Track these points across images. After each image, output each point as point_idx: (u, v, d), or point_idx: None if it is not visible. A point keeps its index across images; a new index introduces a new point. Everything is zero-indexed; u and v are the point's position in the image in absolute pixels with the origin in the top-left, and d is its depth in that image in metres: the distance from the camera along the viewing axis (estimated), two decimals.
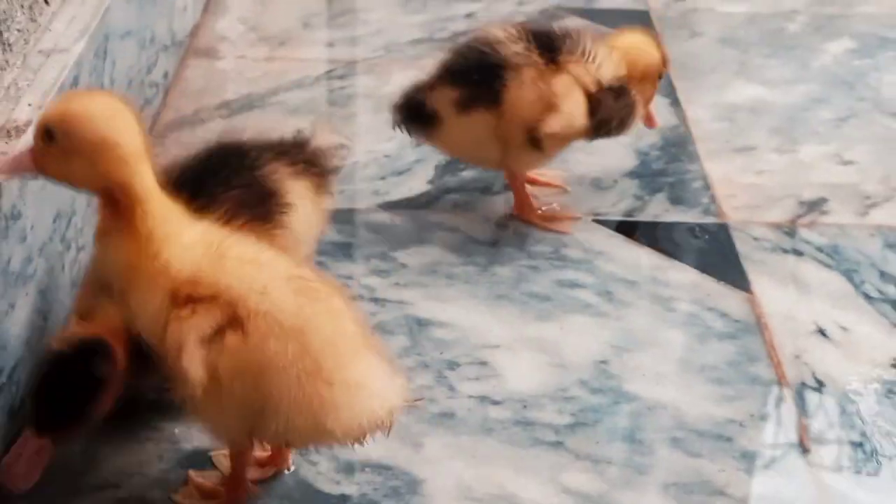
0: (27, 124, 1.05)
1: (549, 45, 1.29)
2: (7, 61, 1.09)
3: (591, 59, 1.30)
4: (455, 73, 1.29)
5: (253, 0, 1.83)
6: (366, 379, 0.91)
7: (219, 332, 0.87)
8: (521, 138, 1.28)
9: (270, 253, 0.93)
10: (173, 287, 0.88)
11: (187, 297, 0.88)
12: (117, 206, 0.88)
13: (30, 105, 1.08)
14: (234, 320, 0.87)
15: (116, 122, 0.88)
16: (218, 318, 0.87)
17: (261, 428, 0.91)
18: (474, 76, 1.28)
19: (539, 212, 1.36)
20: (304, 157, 1.11)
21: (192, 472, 1.01)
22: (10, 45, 1.10)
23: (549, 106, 1.27)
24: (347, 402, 0.89)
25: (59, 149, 0.87)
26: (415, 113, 1.30)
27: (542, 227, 1.34)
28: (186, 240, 0.90)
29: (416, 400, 0.97)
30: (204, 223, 0.93)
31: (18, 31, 1.12)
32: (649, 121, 1.40)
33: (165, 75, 1.55)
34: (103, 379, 0.95)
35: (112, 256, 0.90)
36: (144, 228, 0.89)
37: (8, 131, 1.04)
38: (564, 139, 1.31)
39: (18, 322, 1.02)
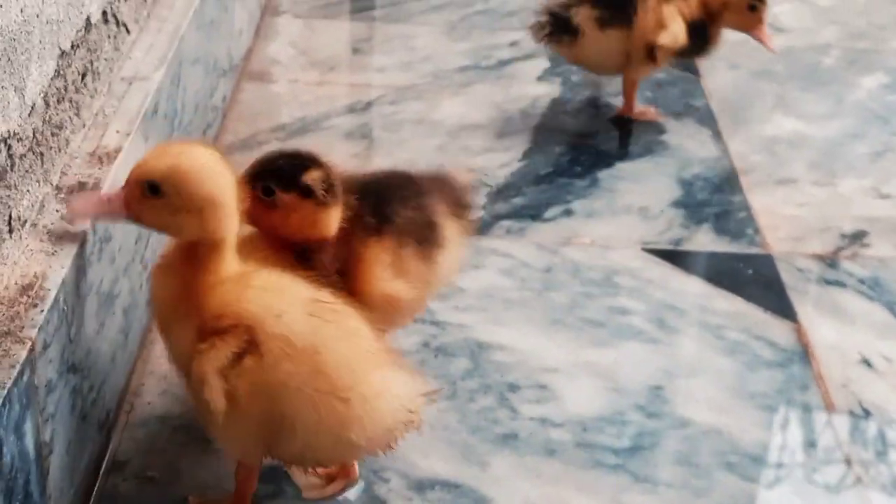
0: (117, 151, 1.09)
1: None
2: (96, 89, 1.14)
3: None
4: None
5: (303, 25, 1.88)
6: (382, 388, 0.94)
7: (237, 357, 0.90)
8: (643, 52, 1.59)
9: (290, 279, 0.96)
10: (201, 322, 0.92)
11: (211, 331, 0.91)
12: (196, 251, 0.92)
13: (117, 132, 1.12)
14: (251, 345, 0.90)
15: (223, 180, 0.91)
16: (236, 345, 0.90)
17: (281, 448, 0.95)
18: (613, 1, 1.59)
19: (637, 110, 1.68)
20: (456, 200, 1.14)
21: (191, 498, 1.04)
22: (98, 73, 1.14)
23: (662, 27, 1.58)
24: (366, 414, 0.92)
25: (165, 203, 0.90)
26: (560, 26, 1.59)
27: (640, 119, 1.67)
28: (222, 275, 0.93)
29: (433, 392, 0.98)
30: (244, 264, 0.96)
31: (105, 59, 1.16)
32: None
33: (224, 99, 1.60)
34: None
35: (167, 291, 0.94)
36: (211, 271, 0.92)
37: (99, 157, 1.08)
38: (670, 52, 1.60)
39: (107, 340, 1.06)
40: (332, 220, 1.02)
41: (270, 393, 0.91)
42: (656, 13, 1.58)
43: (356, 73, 1.76)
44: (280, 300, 0.93)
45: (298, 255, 1.02)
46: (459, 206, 1.14)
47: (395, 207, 1.08)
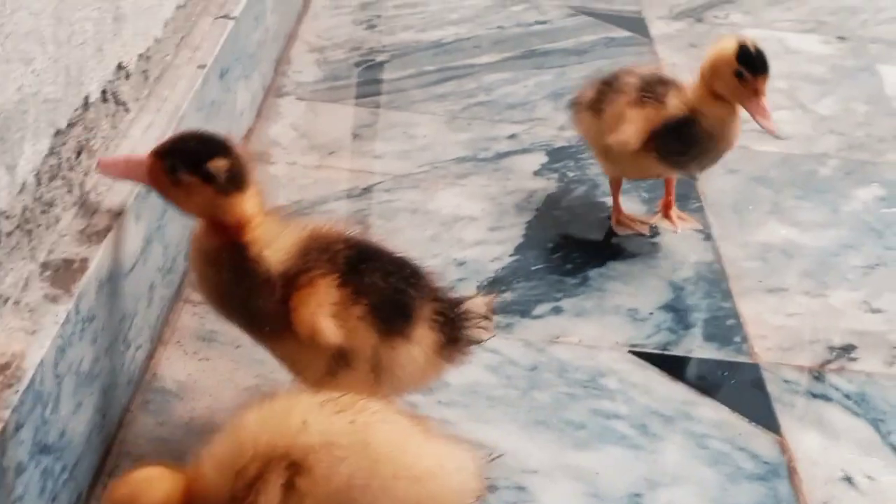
0: (107, 230, 1.09)
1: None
2: (91, 167, 1.14)
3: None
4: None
5: (305, 107, 1.90)
6: (442, 460, 0.93)
7: (289, 486, 0.89)
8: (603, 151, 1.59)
9: (286, 395, 0.96)
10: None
11: (243, 491, 0.89)
12: None
13: (108, 211, 1.12)
14: (295, 468, 0.89)
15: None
16: (279, 480, 0.89)
17: None
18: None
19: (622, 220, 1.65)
20: (450, 316, 1.14)
21: None
22: (93, 151, 1.15)
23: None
24: (441, 486, 0.92)
25: None
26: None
27: (620, 231, 1.64)
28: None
29: (494, 458, 0.99)
30: None
31: (102, 138, 1.17)
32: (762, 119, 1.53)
33: None
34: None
35: None
36: None
37: (88, 236, 1.08)
38: (625, 155, 1.54)
39: (83, 420, 1.06)
40: (235, 207, 1.06)
41: (340, 500, 0.89)
42: (616, 113, 1.53)
43: (355, 158, 1.77)
44: (292, 416, 0.92)
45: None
46: (453, 325, 1.14)
47: (371, 270, 1.10)
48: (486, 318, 1.18)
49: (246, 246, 1.07)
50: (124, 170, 1.08)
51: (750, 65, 1.48)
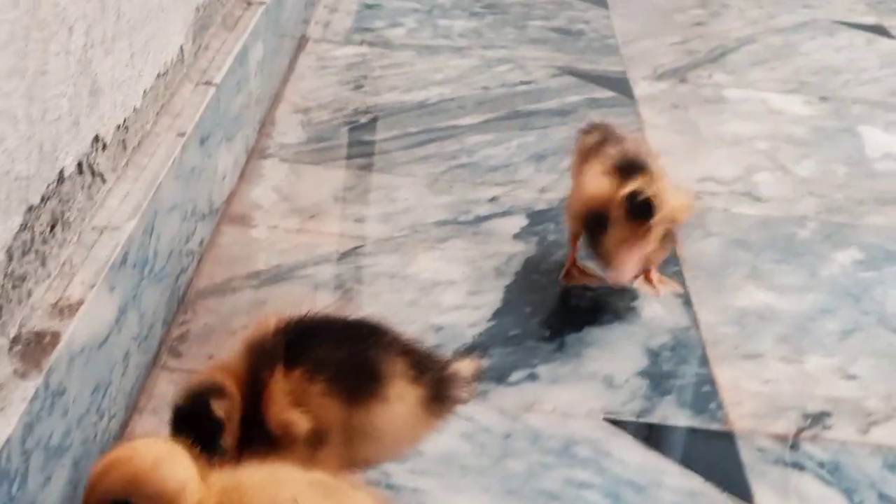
0: (79, 303, 1.10)
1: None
2: (65, 239, 1.15)
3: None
4: None
5: (288, 170, 1.91)
6: None
7: None
8: None
9: (282, 467, 0.97)
10: None
11: None
12: None
13: (82, 283, 1.13)
14: None
15: (178, 463, 0.91)
16: None
17: None
18: None
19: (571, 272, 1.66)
20: (433, 375, 1.15)
21: None
22: (68, 223, 1.16)
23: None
24: None
25: None
26: None
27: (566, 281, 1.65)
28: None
29: None
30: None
31: (78, 209, 1.18)
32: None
33: (201, 242, 1.61)
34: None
35: None
36: None
37: (61, 310, 1.09)
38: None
39: (53, 494, 1.06)
40: None
41: None
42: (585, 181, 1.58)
43: (336, 222, 1.78)
44: (283, 490, 0.92)
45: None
46: (437, 385, 1.15)
47: (320, 344, 1.11)
48: (470, 382, 1.19)
49: None
50: None
51: (630, 210, 1.49)
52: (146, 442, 0.94)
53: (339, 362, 1.10)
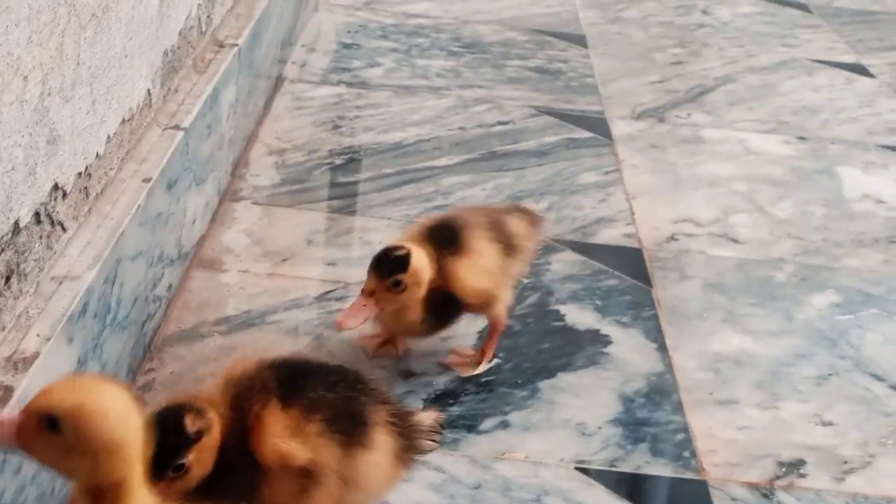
0: (34, 356, 1.08)
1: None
2: (21, 290, 1.13)
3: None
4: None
5: (260, 213, 1.89)
6: None
7: None
8: None
9: None
10: None
11: None
12: (100, 495, 0.88)
13: (38, 336, 1.11)
14: None
15: (128, 422, 0.87)
16: None
17: None
18: None
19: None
20: (405, 425, 1.16)
21: None
22: (24, 274, 1.14)
23: None
24: None
25: (61, 440, 0.86)
26: None
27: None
28: None
29: None
30: None
31: (35, 260, 1.16)
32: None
33: (169, 287, 1.59)
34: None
35: None
36: None
37: (15, 363, 1.07)
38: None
39: None
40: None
41: None
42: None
43: (307, 266, 1.76)
44: None
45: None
46: (406, 435, 1.15)
47: (313, 385, 1.11)
48: (434, 431, 1.18)
49: None
50: None
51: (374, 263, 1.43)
52: (113, 388, 0.90)
53: (332, 404, 1.10)
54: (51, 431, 0.86)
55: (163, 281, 1.55)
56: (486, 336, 1.58)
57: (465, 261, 1.46)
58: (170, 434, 1.03)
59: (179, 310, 1.61)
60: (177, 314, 1.60)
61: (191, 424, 1.05)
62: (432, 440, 1.20)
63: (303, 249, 1.80)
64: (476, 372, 1.54)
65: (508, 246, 1.52)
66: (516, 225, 1.55)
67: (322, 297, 1.68)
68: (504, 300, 1.53)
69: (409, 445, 1.17)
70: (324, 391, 1.11)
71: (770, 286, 1.85)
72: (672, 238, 1.96)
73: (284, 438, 1.07)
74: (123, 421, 0.88)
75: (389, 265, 1.40)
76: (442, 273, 1.44)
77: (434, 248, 1.46)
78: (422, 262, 1.41)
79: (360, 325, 1.40)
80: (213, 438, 1.07)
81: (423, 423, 1.19)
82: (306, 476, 1.09)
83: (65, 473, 0.90)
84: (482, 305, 1.51)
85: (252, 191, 1.97)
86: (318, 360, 1.18)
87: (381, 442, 1.14)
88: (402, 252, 1.41)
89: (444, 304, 1.47)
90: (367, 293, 1.40)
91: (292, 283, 1.71)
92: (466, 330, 1.61)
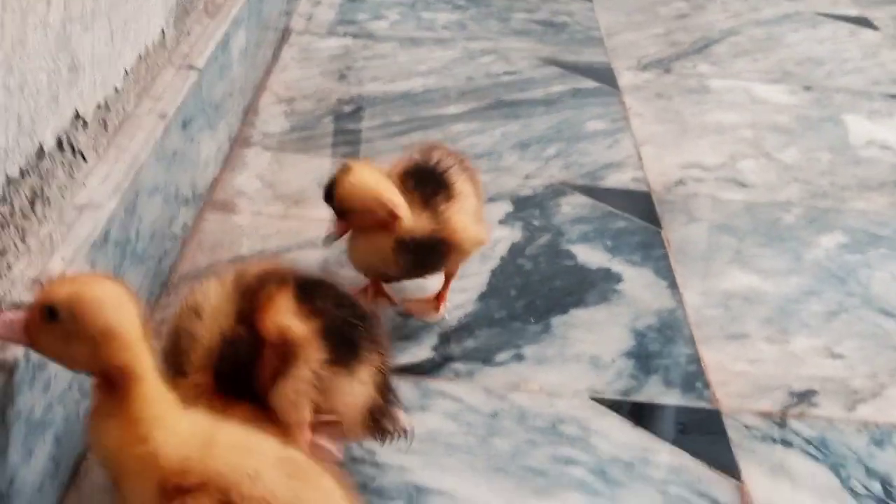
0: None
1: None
2: (45, 215, 1.14)
3: None
4: None
5: (271, 159, 1.90)
6: None
7: None
8: None
9: (258, 436, 0.95)
10: (161, 477, 0.90)
11: (176, 488, 0.89)
12: (112, 387, 0.91)
13: (63, 259, 1.12)
14: None
15: (122, 310, 0.90)
16: None
17: None
18: None
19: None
20: (385, 390, 1.17)
21: None
22: (48, 200, 1.15)
23: None
24: None
25: (60, 329, 0.89)
26: None
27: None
28: (175, 428, 0.92)
29: None
30: (193, 411, 0.95)
31: (58, 187, 1.17)
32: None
33: (184, 227, 1.60)
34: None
35: (104, 440, 0.92)
36: (136, 410, 0.91)
37: (41, 284, 1.08)
38: None
39: (35, 469, 1.05)
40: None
41: None
42: None
43: (320, 208, 1.76)
44: (251, 459, 0.91)
45: None
46: (386, 396, 1.16)
47: (325, 297, 1.12)
48: (401, 430, 1.18)
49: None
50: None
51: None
52: (110, 281, 0.93)
53: (333, 319, 1.10)
54: (51, 321, 0.89)
55: (178, 220, 1.56)
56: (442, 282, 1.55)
57: (458, 207, 1.45)
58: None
59: (194, 249, 1.62)
60: (191, 254, 1.61)
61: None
62: (394, 433, 1.18)
63: (314, 193, 1.81)
64: (438, 317, 1.53)
65: (476, 187, 1.51)
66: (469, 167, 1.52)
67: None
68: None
69: (379, 409, 1.16)
70: (332, 306, 1.12)
71: (778, 228, 1.86)
72: (680, 182, 1.97)
73: (287, 316, 1.08)
74: (118, 307, 0.90)
75: (326, 191, 1.44)
76: (437, 220, 1.43)
77: (420, 191, 1.44)
78: (356, 185, 1.41)
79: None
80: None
81: (398, 416, 1.18)
82: (294, 359, 1.08)
83: (67, 362, 0.93)
84: (468, 255, 1.50)
85: (262, 137, 1.98)
86: (337, 283, 1.18)
87: (365, 380, 1.13)
88: (331, 178, 1.43)
89: (428, 249, 1.44)
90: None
91: (305, 225, 1.72)
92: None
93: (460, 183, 1.47)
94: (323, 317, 1.10)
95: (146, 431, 0.91)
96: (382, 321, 1.19)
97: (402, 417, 1.18)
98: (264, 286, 1.09)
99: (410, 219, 1.41)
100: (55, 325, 0.89)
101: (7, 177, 1.04)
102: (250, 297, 1.09)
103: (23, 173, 1.07)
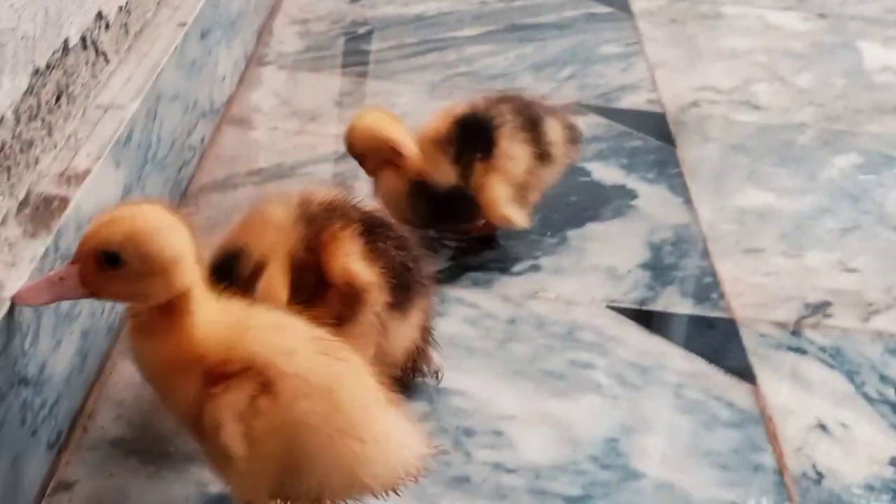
0: (86, 173, 1.10)
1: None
2: (70, 112, 1.15)
3: None
4: None
5: (287, 76, 1.91)
6: (393, 431, 0.94)
7: (252, 399, 0.89)
8: None
9: (290, 317, 0.96)
10: (205, 370, 0.90)
11: (219, 375, 0.90)
12: (169, 307, 0.90)
13: (88, 155, 1.13)
14: (265, 384, 0.90)
15: (177, 233, 0.89)
16: (251, 388, 0.89)
17: (293, 487, 0.93)
18: None
19: None
20: (428, 332, 1.20)
21: None
22: (73, 97, 1.15)
23: None
24: (381, 456, 0.92)
25: (126, 272, 0.87)
26: None
27: None
28: (213, 319, 0.92)
29: (437, 448, 0.99)
30: (227, 301, 0.95)
31: (82, 85, 1.18)
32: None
33: (202, 140, 1.61)
34: None
35: (152, 354, 0.92)
36: (189, 324, 0.91)
37: (68, 178, 1.09)
38: None
39: (63, 359, 1.06)
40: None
41: (288, 432, 0.90)
42: None
43: (337, 124, 1.77)
44: (286, 338, 0.92)
45: None
46: (427, 338, 1.20)
47: (385, 237, 1.12)
48: (434, 370, 1.22)
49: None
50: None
51: None
52: (152, 207, 0.91)
53: (392, 262, 1.12)
54: (112, 266, 0.87)
55: (196, 131, 1.57)
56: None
57: (496, 175, 1.41)
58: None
59: (212, 162, 1.63)
60: (209, 166, 1.62)
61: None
62: (426, 374, 1.22)
63: (330, 110, 1.82)
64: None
65: (543, 153, 1.46)
66: (554, 132, 1.48)
67: None
68: (528, 207, 1.48)
69: (419, 351, 1.19)
70: (391, 247, 1.13)
71: (792, 148, 1.86)
72: (694, 104, 1.97)
73: (354, 259, 1.09)
74: (175, 232, 0.90)
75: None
76: (466, 179, 1.41)
77: (460, 146, 1.42)
78: (362, 129, 1.41)
79: None
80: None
81: (433, 359, 1.22)
82: (360, 305, 1.10)
83: (137, 300, 0.92)
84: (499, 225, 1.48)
85: (277, 56, 1.98)
86: (395, 224, 1.18)
87: (413, 323, 1.16)
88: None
89: (448, 201, 1.42)
90: None
91: (322, 140, 1.72)
92: None
93: (510, 145, 1.43)
94: (385, 259, 1.11)
95: (196, 339, 0.91)
96: (431, 264, 1.20)
97: (437, 359, 1.22)
98: (330, 221, 1.09)
99: (417, 155, 1.40)
100: (119, 269, 0.87)
101: (35, 67, 1.04)
102: (316, 227, 1.09)
103: (49, 67, 1.08)
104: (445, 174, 1.41)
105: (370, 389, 0.95)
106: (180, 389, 0.92)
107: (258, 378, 0.89)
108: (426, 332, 1.20)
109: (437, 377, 1.23)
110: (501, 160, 1.42)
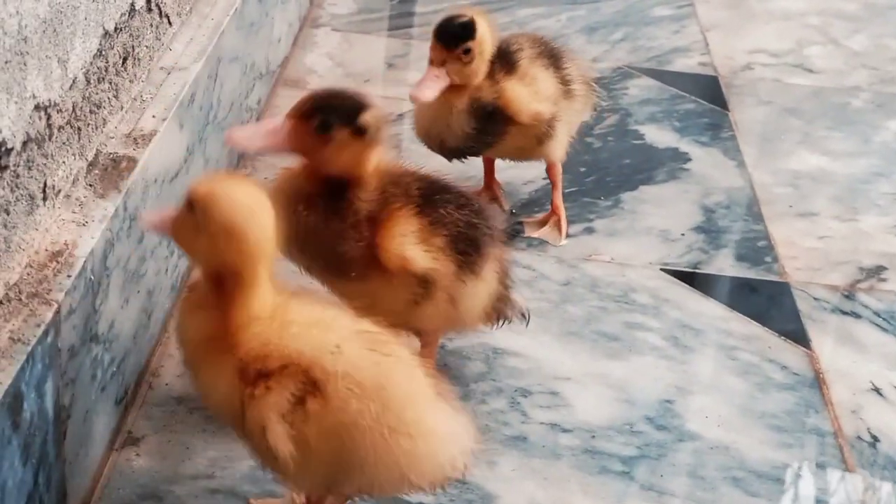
0: (152, 134, 1.12)
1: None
2: (135, 74, 1.17)
3: None
4: None
5: (340, 38, 1.92)
6: (442, 426, 0.93)
7: (299, 401, 0.89)
8: None
9: (332, 311, 0.94)
10: (241, 364, 0.89)
11: (258, 374, 0.89)
12: (220, 285, 0.90)
13: (154, 116, 1.15)
14: (311, 385, 0.89)
15: (251, 216, 0.89)
16: (294, 388, 0.89)
17: (344, 483, 0.93)
18: None
19: None
20: (506, 277, 1.18)
21: (252, 501, 1.05)
22: (138, 59, 1.17)
23: None
24: (429, 452, 0.91)
25: (192, 221, 0.89)
26: None
27: None
28: (258, 314, 0.91)
29: (484, 447, 0.99)
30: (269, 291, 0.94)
31: (147, 47, 1.19)
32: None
33: (259, 101, 1.63)
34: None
35: (193, 331, 0.93)
36: (233, 314, 0.90)
37: (135, 139, 1.11)
38: None
39: (129, 317, 1.09)
40: (373, 159, 1.08)
41: (340, 434, 0.89)
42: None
43: (389, 86, 1.79)
44: (330, 334, 0.91)
45: (334, 191, 1.06)
46: (506, 283, 1.17)
47: (446, 201, 1.11)
48: (521, 314, 1.21)
49: (349, 193, 1.07)
50: (262, 139, 1.04)
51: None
52: (251, 185, 0.92)
53: (457, 224, 1.10)
54: (188, 212, 0.90)
55: (254, 93, 1.58)
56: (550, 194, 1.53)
57: (519, 82, 1.41)
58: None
59: None
60: None
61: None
62: (512, 317, 1.20)
63: (384, 72, 1.83)
64: (562, 241, 1.47)
65: (565, 86, 1.45)
66: (575, 71, 1.48)
67: (405, 115, 1.70)
68: (560, 140, 1.46)
69: (503, 296, 1.17)
70: (453, 209, 1.11)
71: (846, 112, 1.86)
72: (747, 67, 1.97)
73: (410, 241, 1.08)
74: (248, 212, 0.89)
75: (457, 32, 1.34)
76: (495, 88, 1.39)
77: (491, 68, 1.40)
78: (486, 29, 1.37)
79: (436, 95, 1.34)
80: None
81: (517, 301, 1.20)
82: (421, 285, 1.10)
83: (190, 253, 0.94)
84: (532, 131, 1.43)
85: (331, 18, 1.99)
86: (451, 183, 1.16)
87: (489, 277, 1.14)
88: (465, 19, 1.35)
89: (491, 117, 1.39)
90: (438, 63, 1.35)
91: (377, 101, 1.73)
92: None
93: (531, 65, 1.44)
94: (449, 225, 1.09)
95: (235, 325, 0.90)
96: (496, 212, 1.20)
97: (521, 301, 1.20)
98: (388, 201, 1.08)
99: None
100: (189, 217, 0.89)
101: (105, 30, 1.06)
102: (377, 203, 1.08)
103: (117, 29, 1.10)
104: (484, 91, 1.39)
105: (419, 383, 0.93)
106: (214, 378, 0.91)
107: (300, 377, 0.89)
108: (504, 279, 1.18)
109: (524, 318, 1.21)
110: (525, 77, 1.41)
